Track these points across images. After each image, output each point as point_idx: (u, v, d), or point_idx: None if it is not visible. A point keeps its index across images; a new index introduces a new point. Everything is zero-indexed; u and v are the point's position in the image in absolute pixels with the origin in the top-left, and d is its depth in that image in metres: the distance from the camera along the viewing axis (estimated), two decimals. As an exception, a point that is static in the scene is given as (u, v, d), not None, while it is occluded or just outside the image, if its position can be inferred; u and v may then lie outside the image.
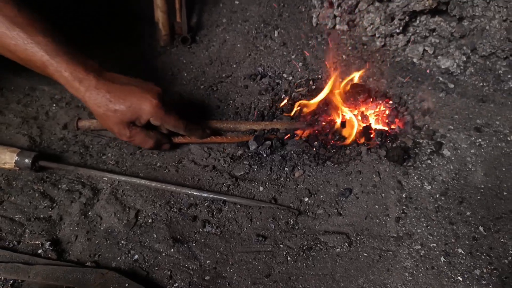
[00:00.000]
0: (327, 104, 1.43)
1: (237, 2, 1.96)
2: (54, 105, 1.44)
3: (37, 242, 0.99)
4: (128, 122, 1.13)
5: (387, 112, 1.46)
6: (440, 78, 1.72)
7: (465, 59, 1.78)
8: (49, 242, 0.99)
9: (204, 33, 1.91)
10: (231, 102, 1.56)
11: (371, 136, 1.32)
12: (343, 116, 1.40)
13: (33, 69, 1.09)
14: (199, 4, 1.97)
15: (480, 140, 1.34)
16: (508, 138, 1.36)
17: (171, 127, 1.20)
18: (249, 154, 1.28)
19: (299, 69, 1.70)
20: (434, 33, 1.85)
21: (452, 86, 1.68)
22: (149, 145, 1.20)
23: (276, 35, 1.86)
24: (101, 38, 1.84)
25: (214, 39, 1.87)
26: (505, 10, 1.70)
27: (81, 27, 1.82)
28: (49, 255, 0.97)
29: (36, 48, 1.03)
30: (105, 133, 1.34)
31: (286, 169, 1.22)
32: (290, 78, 1.67)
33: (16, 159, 1.14)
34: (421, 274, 0.96)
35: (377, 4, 1.85)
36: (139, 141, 1.18)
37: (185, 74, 1.71)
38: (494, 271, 0.97)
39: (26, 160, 1.14)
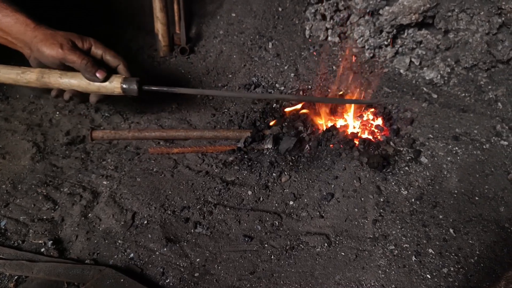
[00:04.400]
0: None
1: (233, 15, 2.05)
2: (58, 112, 1.54)
3: (40, 241, 1.08)
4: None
5: (371, 121, 1.54)
6: (425, 89, 1.81)
7: (449, 70, 1.87)
8: (51, 241, 1.07)
9: (202, 44, 2.00)
10: (226, 110, 1.65)
11: (355, 144, 1.41)
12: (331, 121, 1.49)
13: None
14: (198, 16, 2.06)
15: (456, 148, 1.42)
16: (484, 146, 1.44)
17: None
18: (240, 158, 1.36)
19: (291, 79, 1.79)
20: (421, 45, 1.94)
21: (435, 96, 1.76)
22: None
23: (270, 46, 1.95)
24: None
25: (211, 50, 1.96)
26: (487, 24, 1.79)
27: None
28: (51, 253, 1.05)
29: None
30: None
31: (274, 174, 1.31)
32: (282, 88, 1.76)
33: (123, 86, 1.31)
34: (393, 272, 1.04)
35: (367, 17, 1.94)
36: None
37: (183, 84, 1.80)
38: (461, 270, 1.06)
39: (132, 87, 1.31)
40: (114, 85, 1.31)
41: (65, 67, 1.28)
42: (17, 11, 1.26)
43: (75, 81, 1.30)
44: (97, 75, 1.28)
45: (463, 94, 1.78)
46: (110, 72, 1.32)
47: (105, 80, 1.30)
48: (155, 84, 1.35)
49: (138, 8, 2.00)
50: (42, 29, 1.26)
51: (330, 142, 1.40)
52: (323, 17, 2.02)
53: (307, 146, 1.38)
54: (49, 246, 1.06)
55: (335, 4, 1.98)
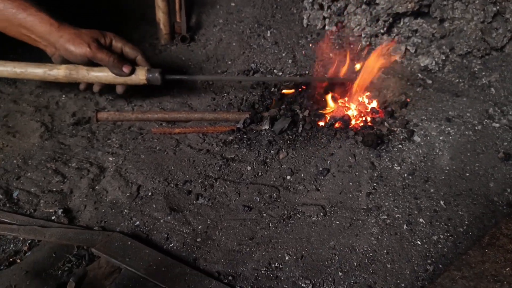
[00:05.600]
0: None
1: (233, 4, 2.11)
2: (64, 95, 1.60)
3: (50, 210, 1.14)
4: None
5: (367, 103, 1.60)
6: (419, 75, 1.87)
7: (444, 57, 1.92)
8: (61, 210, 1.13)
9: (202, 33, 2.06)
10: (225, 95, 1.70)
11: (350, 123, 1.47)
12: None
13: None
14: (198, 6, 2.12)
15: (449, 128, 1.47)
16: (476, 128, 1.50)
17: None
18: (239, 138, 1.42)
19: (288, 65, 1.85)
20: (417, 34, 1.99)
21: (430, 82, 1.82)
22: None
23: (268, 34, 2.01)
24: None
25: (211, 38, 2.02)
26: (482, 12, 1.84)
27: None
28: (62, 221, 1.11)
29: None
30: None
31: (272, 151, 1.36)
32: (280, 73, 1.81)
33: (148, 76, 1.44)
34: (385, 239, 1.10)
35: (364, 6, 1.99)
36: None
37: (184, 70, 1.86)
38: (450, 238, 1.11)
39: (156, 76, 1.45)
40: (139, 77, 1.44)
41: (91, 63, 1.40)
42: (41, 11, 1.33)
43: (102, 75, 1.43)
44: (124, 69, 1.40)
45: (457, 80, 1.83)
46: (131, 64, 1.44)
47: (130, 73, 1.42)
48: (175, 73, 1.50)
49: (140, -2, 2.06)
50: (66, 29, 1.35)
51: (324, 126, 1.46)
52: (321, 7, 2.07)
53: (299, 126, 1.44)
54: (60, 214, 1.12)
55: (332, -6, 2.04)
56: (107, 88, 1.50)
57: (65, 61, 1.41)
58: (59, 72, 1.41)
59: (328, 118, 1.48)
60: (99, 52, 1.35)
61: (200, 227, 1.12)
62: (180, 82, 1.76)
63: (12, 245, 1.05)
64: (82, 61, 1.38)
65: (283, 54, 1.91)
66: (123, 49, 1.43)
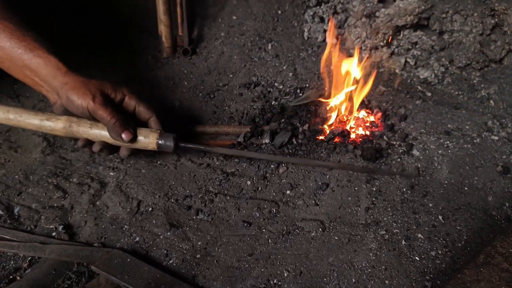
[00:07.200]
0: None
1: (234, 17, 2.13)
2: (67, 110, 1.61)
3: (51, 226, 1.15)
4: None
5: (366, 117, 1.61)
6: (419, 87, 1.88)
7: (443, 70, 1.93)
8: (62, 226, 1.14)
9: (203, 45, 2.08)
10: (227, 108, 1.72)
11: (349, 138, 1.47)
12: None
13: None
14: (200, 19, 2.14)
15: (448, 142, 1.48)
16: (475, 141, 1.50)
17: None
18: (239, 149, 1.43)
19: (289, 78, 1.86)
20: (416, 46, 2.00)
21: (429, 94, 1.83)
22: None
23: (269, 47, 2.03)
24: (107, 50, 2.01)
25: (212, 51, 2.04)
26: (480, 25, 1.86)
27: (90, 39, 2.00)
28: (62, 237, 1.12)
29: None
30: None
31: (272, 166, 1.37)
32: (281, 87, 1.83)
33: (159, 142, 1.25)
34: (384, 255, 1.10)
35: (364, 19, 2.01)
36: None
37: (186, 83, 1.87)
38: (448, 253, 1.11)
39: (169, 143, 1.25)
40: (149, 141, 1.24)
41: (94, 118, 1.22)
42: (50, 54, 1.20)
43: (106, 134, 1.23)
44: (123, 135, 1.20)
45: (456, 92, 1.84)
46: (141, 124, 1.28)
47: (130, 141, 1.22)
48: (190, 141, 1.32)
49: (143, 11, 2.08)
50: (73, 76, 1.20)
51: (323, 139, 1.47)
52: (321, 20, 2.09)
53: (299, 140, 1.45)
54: (60, 230, 1.13)
55: (333, 7, 2.06)
56: (110, 149, 1.28)
57: (67, 112, 1.24)
58: (57, 123, 1.22)
59: (328, 132, 1.49)
60: (101, 108, 1.16)
61: (199, 243, 1.12)
62: (181, 95, 1.78)
63: (12, 262, 1.06)
64: (83, 114, 1.20)
65: (284, 67, 1.93)
66: (137, 107, 1.27)
